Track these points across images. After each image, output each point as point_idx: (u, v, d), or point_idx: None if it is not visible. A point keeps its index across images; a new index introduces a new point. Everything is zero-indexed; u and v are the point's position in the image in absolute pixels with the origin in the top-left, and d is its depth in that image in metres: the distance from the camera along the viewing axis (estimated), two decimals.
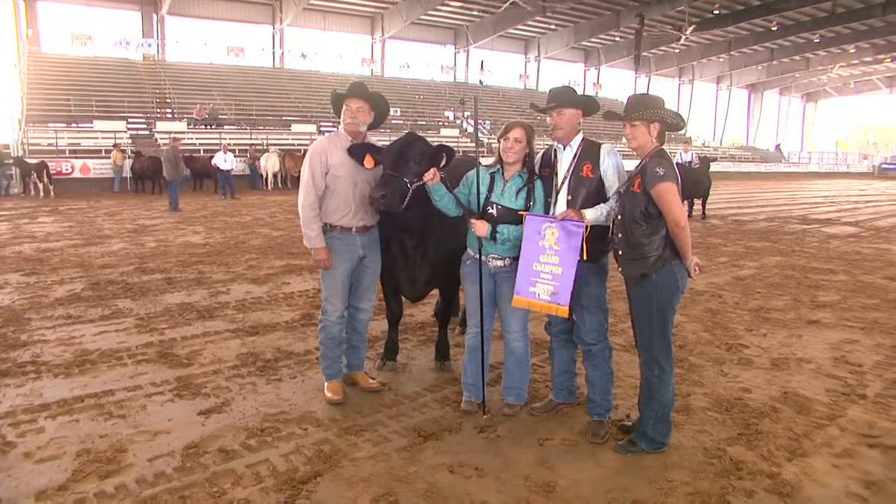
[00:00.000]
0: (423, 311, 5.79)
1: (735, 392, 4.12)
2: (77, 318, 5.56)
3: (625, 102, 3.26)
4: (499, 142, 3.53)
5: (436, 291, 4.40)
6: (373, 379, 4.16)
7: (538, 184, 3.52)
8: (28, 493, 2.83)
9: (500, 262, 3.55)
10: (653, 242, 3.09)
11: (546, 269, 3.34)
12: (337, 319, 3.89)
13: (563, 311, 3.33)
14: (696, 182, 13.52)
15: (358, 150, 3.73)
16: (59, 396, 3.87)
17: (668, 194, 3.02)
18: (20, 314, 5.68)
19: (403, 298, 4.42)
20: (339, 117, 3.86)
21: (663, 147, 3.19)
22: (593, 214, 3.30)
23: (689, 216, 13.20)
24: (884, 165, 52.36)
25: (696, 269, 3.14)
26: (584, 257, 3.27)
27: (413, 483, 2.96)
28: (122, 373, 4.29)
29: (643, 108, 3.15)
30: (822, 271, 8.38)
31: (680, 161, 15.03)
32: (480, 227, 3.44)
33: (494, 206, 3.51)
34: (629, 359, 4.50)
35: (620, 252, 3.24)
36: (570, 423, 3.62)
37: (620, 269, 3.28)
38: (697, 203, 14.91)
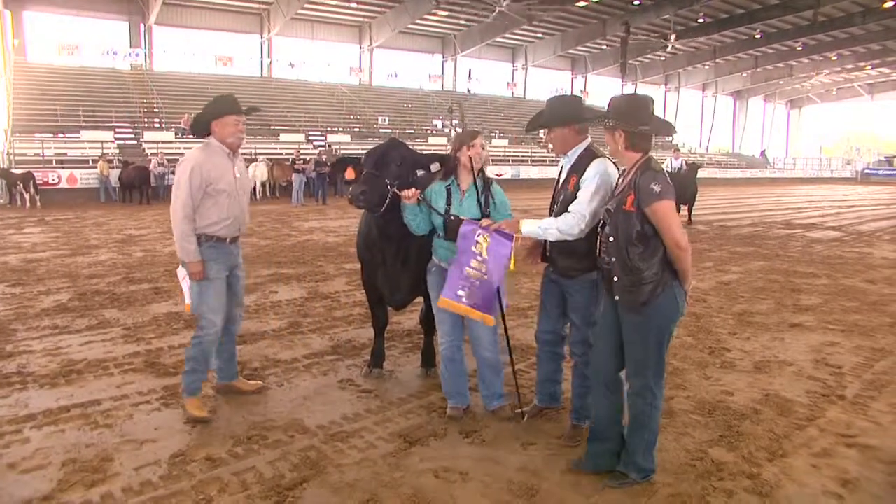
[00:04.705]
0: (409, 319, 5.82)
1: (717, 395, 4.18)
2: (63, 329, 5.54)
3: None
4: (457, 152, 3.55)
5: (420, 299, 4.43)
6: (251, 380, 4.23)
7: (496, 188, 3.62)
8: None
9: None
10: (651, 266, 2.83)
11: (474, 275, 3.38)
12: (217, 331, 3.78)
13: (489, 319, 3.38)
14: (682, 187, 13.70)
15: (339, 165, 3.81)
16: (45, 407, 3.86)
17: (667, 213, 2.77)
18: (5, 325, 5.65)
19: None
20: (204, 134, 3.77)
21: (650, 156, 2.90)
22: (529, 228, 3.21)
23: None
24: (866, 170, 53.00)
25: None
26: (512, 267, 3.30)
27: (398, 488, 2.99)
28: (108, 382, 4.29)
29: (608, 115, 2.93)
30: (804, 275, 8.51)
31: (669, 168, 15.23)
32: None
33: (457, 218, 3.51)
34: None
35: (616, 278, 2.92)
36: (553, 428, 3.66)
37: (617, 296, 2.95)
38: (683, 209, 15.06)
